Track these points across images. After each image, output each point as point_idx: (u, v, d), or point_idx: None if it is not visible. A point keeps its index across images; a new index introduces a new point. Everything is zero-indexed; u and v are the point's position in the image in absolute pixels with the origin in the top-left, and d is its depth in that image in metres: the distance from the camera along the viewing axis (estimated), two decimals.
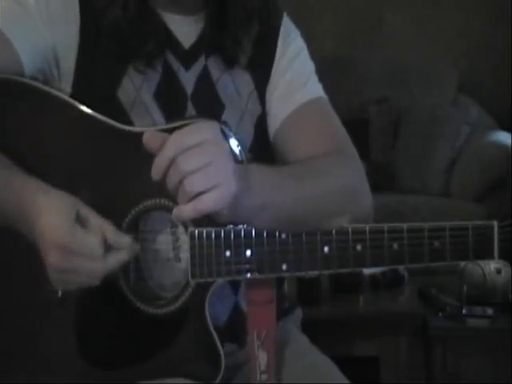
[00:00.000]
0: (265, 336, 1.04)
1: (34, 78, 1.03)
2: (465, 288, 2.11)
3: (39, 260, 0.93)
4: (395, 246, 0.98)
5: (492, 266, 2.13)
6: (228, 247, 0.96)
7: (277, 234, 0.97)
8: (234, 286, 1.09)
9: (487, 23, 3.75)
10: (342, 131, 1.11)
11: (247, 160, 1.01)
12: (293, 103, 1.11)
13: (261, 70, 1.12)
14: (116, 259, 0.93)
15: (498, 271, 2.13)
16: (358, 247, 0.98)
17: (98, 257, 0.91)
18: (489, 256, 1.00)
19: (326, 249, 0.98)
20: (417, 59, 3.76)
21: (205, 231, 0.96)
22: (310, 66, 1.16)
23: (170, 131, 0.87)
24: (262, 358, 1.04)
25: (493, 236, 0.99)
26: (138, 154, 0.90)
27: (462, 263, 2.10)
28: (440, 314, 2.13)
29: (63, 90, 1.04)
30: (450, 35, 3.79)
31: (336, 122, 1.13)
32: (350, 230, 0.98)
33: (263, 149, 1.13)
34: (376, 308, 2.17)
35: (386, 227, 0.98)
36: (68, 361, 1.03)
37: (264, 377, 1.04)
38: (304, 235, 0.98)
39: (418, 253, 0.99)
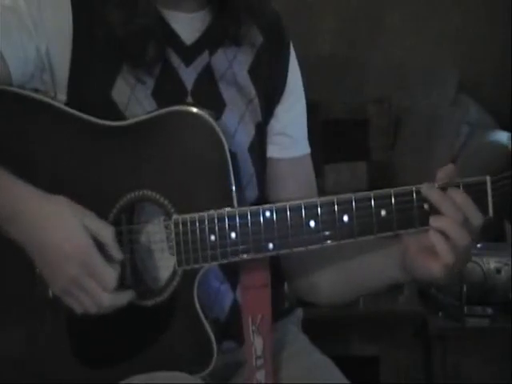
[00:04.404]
0: (260, 321, 1.03)
1: (23, 86, 1.03)
2: (465, 288, 2.11)
3: (28, 259, 0.95)
4: (383, 213, 0.95)
5: (492, 265, 2.13)
6: (212, 232, 0.96)
7: (261, 212, 0.96)
8: (232, 283, 1.09)
9: (487, 23, 3.75)
10: None
11: (247, 160, 1.01)
12: (294, 151, 1.16)
13: (265, 85, 1.13)
14: (122, 299, 0.95)
15: (498, 270, 2.13)
16: (345, 218, 0.96)
17: (110, 289, 0.93)
18: (482, 213, 0.96)
19: (311, 223, 0.96)
20: (417, 59, 3.76)
21: (188, 217, 0.96)
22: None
23: (156, 119, 0.93)
24: (258, 342, 1.03)
25: (486, 192, 0.95)
26: (120, 148, 0.91)
27: None
28: (440, 314, 2.13)
29: (58, 95, 1.05)
30: (450, 35, 3.78)
31: None
32: (335, 200, 0.96)
33: (262, 149, 1.13)
34: (376, 308, 2.17)
35: (372, 194, 0.95)
36: (58, 356, 1.03)
37: (260, 362, 1.03)
38: (288, 211, 0.96)
39: (408, 217, 0.95)
